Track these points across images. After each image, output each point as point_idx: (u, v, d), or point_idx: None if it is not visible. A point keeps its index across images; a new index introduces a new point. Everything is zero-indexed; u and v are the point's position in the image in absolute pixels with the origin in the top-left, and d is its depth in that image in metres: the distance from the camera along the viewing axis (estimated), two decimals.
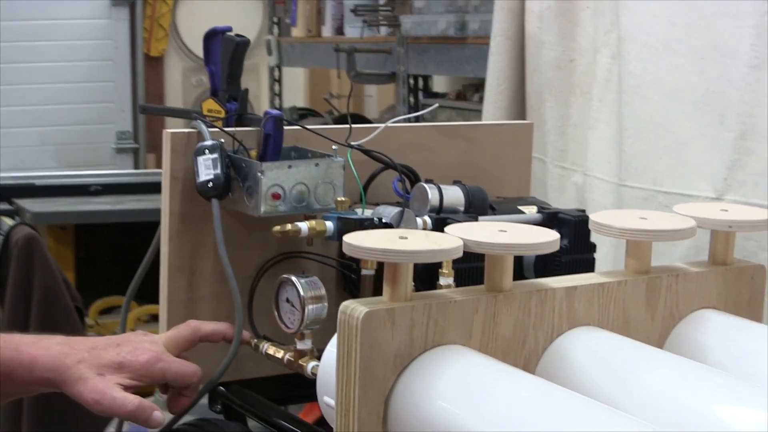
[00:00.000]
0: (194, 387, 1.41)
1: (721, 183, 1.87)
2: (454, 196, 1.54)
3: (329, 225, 1.41)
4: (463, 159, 1.71)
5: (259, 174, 1.41)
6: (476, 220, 1.50)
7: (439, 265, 1.40)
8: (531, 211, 1.63)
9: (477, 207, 1.55)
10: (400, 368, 1.17)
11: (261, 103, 6.20)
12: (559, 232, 1.55)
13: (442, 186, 1.54)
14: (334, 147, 1.47)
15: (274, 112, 1.47)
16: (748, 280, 1.42)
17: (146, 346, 1.39)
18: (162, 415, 1.36)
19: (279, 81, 6.06)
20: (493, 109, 2.46)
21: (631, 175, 2.04)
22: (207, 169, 1.44)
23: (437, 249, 1.16)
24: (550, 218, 1.58)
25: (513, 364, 1.21)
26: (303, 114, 5.63)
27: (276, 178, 1.42)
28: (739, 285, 1.41)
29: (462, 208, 1.54)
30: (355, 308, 1.14)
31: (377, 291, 1.40)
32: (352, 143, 1.50)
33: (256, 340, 1.47)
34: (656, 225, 1.32)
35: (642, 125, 2.01)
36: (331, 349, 1.27)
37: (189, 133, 1.48)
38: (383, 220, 1.41)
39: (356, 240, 1.16)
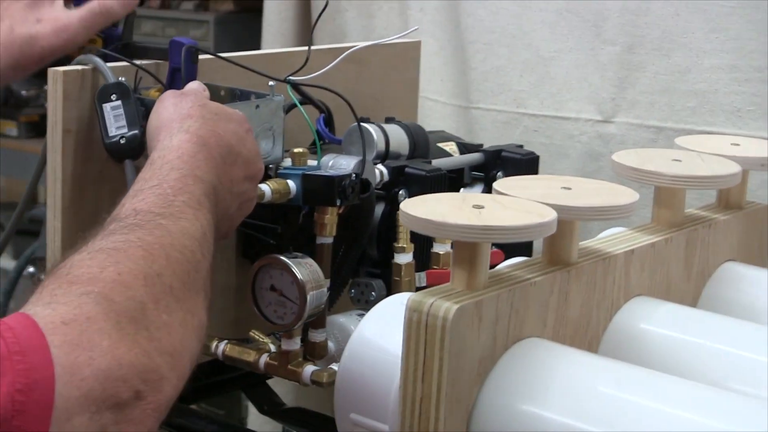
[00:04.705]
0: None
1: (609, 103, 1.67)
2: (399, 137, 1.26)
3: (291, 185, 1.10)
4: (354, 85, 1.41)
5: None
6: (431, 164, 1.23)
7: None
8: (451, 148, 1.37)
9: (421, 149, 1.28)
10: (484, 376, 0.90)
11: None
12: (505, 174, 1.33)
13: (383, 126, 1.26)
14: (271, 83, 1.15)
15: (185, 39, 1.14)
16: (759, 224, 1.24)
17: None
18: None
19: None
20: (277, 21, 2.14)
21: (484, 96, 1.80)
22: (117, 120, 1.09)
23: (545, 221, 0.89)
24: (492, 158, 1.33)
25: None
26: None
27: None
28: (752, 231, 1.23)
29: (406, 152, 1.27)
30: (435, 304, 0.86)
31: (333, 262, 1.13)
32: (292, 78, 1.18)
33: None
34: (694, 170, 1.11)
35: (492, 37, 1.78)
36: (360, 349, 0.97)
37: (83, 71, 1.11)
38: (354, 176, 1.11)
39: (436, 215, 0.87)
